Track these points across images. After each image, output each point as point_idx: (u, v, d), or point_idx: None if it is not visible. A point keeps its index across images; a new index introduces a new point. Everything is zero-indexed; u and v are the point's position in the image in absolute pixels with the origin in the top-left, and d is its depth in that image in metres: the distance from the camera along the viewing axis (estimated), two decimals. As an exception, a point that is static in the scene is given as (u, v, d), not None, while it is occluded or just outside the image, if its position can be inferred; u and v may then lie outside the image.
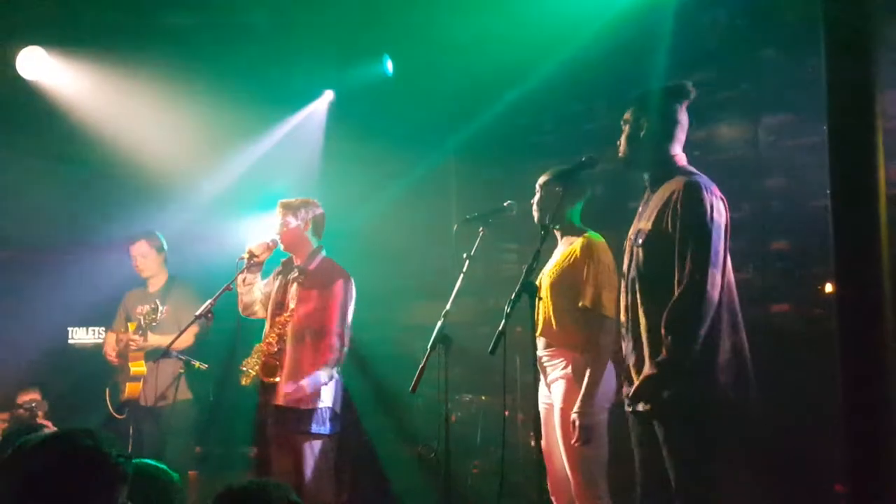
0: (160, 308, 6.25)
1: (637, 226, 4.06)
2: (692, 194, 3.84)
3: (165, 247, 6.77)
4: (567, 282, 4.63)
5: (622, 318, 4.10)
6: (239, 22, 7.05)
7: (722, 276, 3.79)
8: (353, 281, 5.47)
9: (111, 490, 2.38)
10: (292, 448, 5.32)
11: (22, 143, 7.20)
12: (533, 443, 4.36)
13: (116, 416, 6.47)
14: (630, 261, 4.04)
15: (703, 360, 3.73)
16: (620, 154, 4.21)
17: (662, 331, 3.74)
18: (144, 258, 6.66)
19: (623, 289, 4.10)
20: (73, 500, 2.36)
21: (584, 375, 4.48)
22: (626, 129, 4.19)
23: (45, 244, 7.66)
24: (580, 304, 4.54)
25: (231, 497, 2.48)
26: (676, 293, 3.74)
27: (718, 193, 3.91)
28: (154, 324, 6.28)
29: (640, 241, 3.97)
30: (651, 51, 6.13)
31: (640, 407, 3.87)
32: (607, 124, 7.07)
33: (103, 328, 6.97)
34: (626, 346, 4.04)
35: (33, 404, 6.72)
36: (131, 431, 6.29)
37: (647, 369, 3.80)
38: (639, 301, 3.95)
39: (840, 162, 2.11)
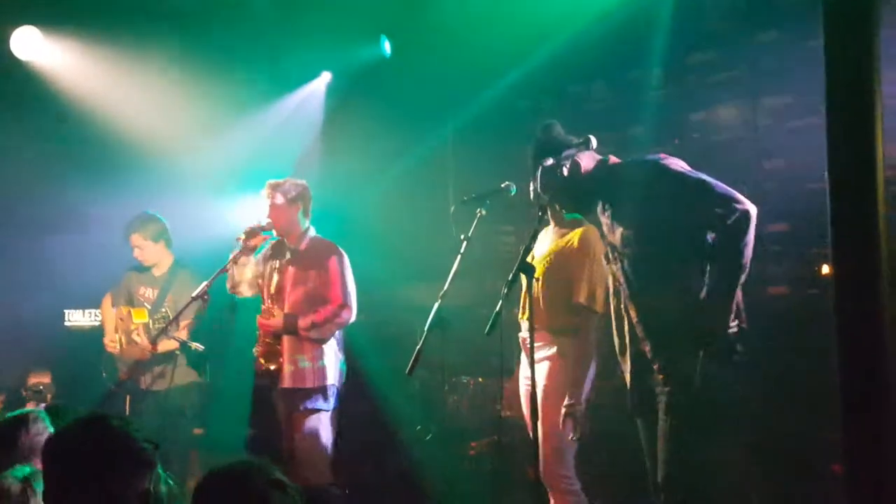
0: (170, 316, 6.17)
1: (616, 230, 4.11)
2: (651, 166, 3.95)
3: (168, 230, 6.60)
4: (561, 272, 4.61)
5: (612, 310, 4.12)
6: (237, 2, 7.01)
7: None
8: (345, 255, 5.52)
9: (138, 475, 2.42)
10: (296, 425, 5.39)
11: (15, 124, 7.16)
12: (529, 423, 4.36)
13: (115, 389, 6.41)
14: (613, 256, 4.10)
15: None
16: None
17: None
18: (142, 249, 6.50)
19: (613, 278, 4.13)
20: (102, 481, 2.39)
21: (568, 357, 4.53)
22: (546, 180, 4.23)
23: (40, 225, 7.64)
24: (575, 301, 4.54)
25: (212, 481, 2.46)
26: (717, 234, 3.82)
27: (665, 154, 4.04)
28: (162, 332, 6.19)
29: (622, 230, 4.04)
30: (651, 32, 6.12)
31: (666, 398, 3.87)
32: (607, 106, 7.11)
33: (98, 310, 6.93)
34: (624, 331, 4.05)
35: (41, 387, 6.70)
36: (127, 412, 6.27)
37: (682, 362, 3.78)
38: (638, 289, 3.97)
39: (838, 142, 2.11)
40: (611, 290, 4.19)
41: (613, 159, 4.17)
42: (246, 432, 6.95)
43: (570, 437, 4.44)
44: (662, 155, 4.02)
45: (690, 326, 3.78)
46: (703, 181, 3.87)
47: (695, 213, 3.84)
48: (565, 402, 4.46)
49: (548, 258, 4.68)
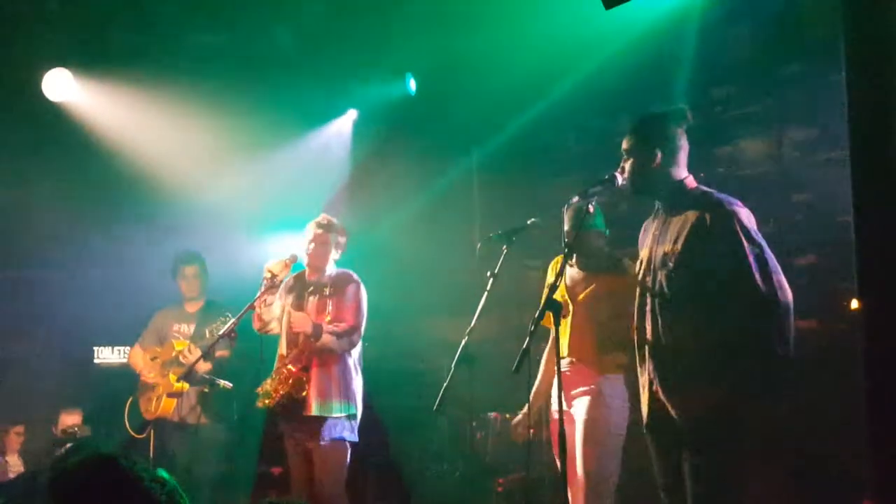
0: (230, 318, 6.11)
1: (658, 249, 3.96)
2: (724, 211, 3.79)
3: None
4: (614, 306, 4.63)
5: (639, 340, 4.02)
6: (263, 42, 7.10)
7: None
8: (362, 285, 5.58)
9: None
10: (313, 458, 5.37)
11: (46, 165, 7.26)
12: (558, 459, 4.34)
13: (135, 435, 6.42)
14: (651, 285, 3.94)
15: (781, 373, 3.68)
16: (626, 183, 4.11)
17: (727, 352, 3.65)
18: (197, 279, 6.71)
19: (637, 313, 4.01)
20: None
21: (615, 392, 4.60)
22: (631, 160, 4.08)
23: (69, 263, 7.73)
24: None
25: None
26: (745, 312, 3.66)
27: (741, 204, 3.88)
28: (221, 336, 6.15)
29: (670, 264, 3.87)
30: (675, 65, 6.12)
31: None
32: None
33: (128, 347, 6.97)
34: (648, 369, 3.96)
35: (76, 429, 6.73)
36: (152, 449, 6.24)
37: (717, 398, 3.68)
38: (669, 324, 3.85)
39: (862, 176, 2.10)
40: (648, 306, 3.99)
41: (691, 183, 4.01)
42: (271, 470, 6.95)
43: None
44: (738, 206, 3.83)
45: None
46: (751, 272, 3.68)
47: (731, 290, 3.74)
48: (615, 433, 4.52)
49: (592, 292, 4.69)
